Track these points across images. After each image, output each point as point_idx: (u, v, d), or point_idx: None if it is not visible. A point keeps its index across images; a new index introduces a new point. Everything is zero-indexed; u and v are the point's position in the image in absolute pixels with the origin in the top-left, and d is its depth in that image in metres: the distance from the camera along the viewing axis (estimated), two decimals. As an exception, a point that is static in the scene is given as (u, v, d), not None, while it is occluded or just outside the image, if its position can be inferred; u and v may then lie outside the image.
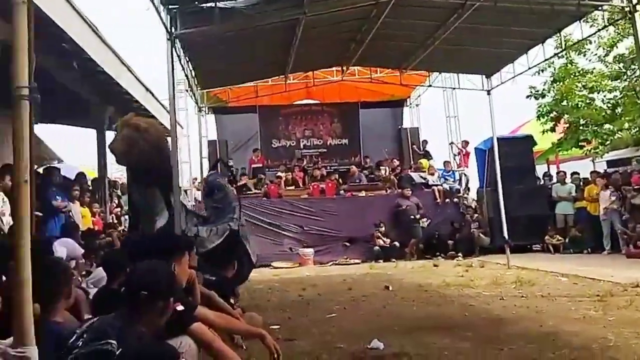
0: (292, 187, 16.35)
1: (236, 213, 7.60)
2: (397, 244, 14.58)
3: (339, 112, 19.58)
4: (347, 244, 14.80)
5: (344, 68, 14.71)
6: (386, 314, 6.94)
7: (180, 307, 2.93)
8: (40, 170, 10.27)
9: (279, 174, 16.87)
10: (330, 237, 14.89)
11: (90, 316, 3.44)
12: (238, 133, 19.01)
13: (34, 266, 2.60)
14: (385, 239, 14.63)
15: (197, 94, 14.50)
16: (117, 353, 2.34)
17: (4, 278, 3.69)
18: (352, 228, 14.91)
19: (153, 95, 11.82)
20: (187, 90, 14.79)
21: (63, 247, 6.41)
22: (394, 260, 13.96)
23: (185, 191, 15.69)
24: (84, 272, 6.11)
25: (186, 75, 11.97)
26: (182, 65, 10.75)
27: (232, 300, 5.02)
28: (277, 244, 14.66)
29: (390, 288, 8.97)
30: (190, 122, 16.19)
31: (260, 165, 17.75)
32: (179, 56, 9.63)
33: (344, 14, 10.00)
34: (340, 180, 16.68)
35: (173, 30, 8.04)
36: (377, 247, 14.46)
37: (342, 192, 16.06)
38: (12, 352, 2.51)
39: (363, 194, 15.87)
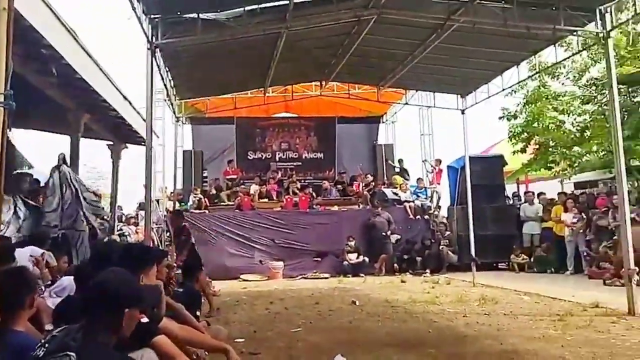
0: (266, 200, 16.34)
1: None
2: (366, 259, 14.64)
3: (316, 126, 19.69)
4: (318, 258, 14.80)
5: (323, 83, 14.82)
6: (352, 329, 6.98)
7: (144, 319, 2.90)
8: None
9: (253, 186, 16.82)
10: (301, 250, 14.89)
11: (51, 326, 3.41)
12: (214, 144, 18.97)
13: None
14: (355, 254, 14.68)
15: (175, 104, 14.45)
16: (75, 366, 2.31)
17: None
18: (323, 242, 14.94)
19: (130, 103, 11.78)
20: (165, 100, 14.73)
21: (28, 255, 6.30)
22: (362, 275, 14.04)
23: (157, 201, 15.58)
24: (49, 282, 6.00)
25: (165, 85, 11.93)
26: (161, 75, 10.74)
27: (197, 313, 5.01)
28: (248, 256, 14.62)
29: (357, 303, 9.03)
30: (167, 131, 16.11)
31: (235, 176, 17.75)
32: (158, 66, 9.62)
33: (326, 29, 10.10)
34: (314, 194, 16.74)
35: (154, 39, 8.05)
36: (346, 262, 14.51)
37: (315, 206, 16.10)
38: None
39: (336, 208, 15.96)
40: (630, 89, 15.34)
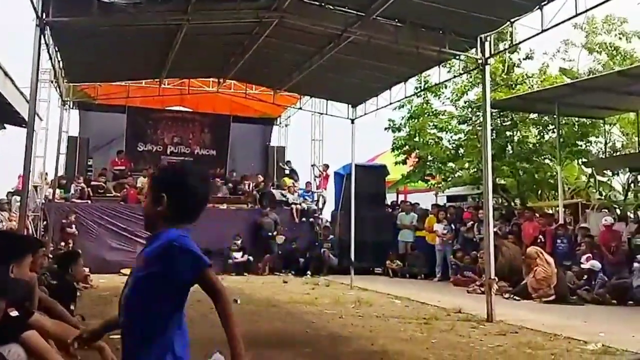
0: (153, 193, 15.70)
1: None
2: (251, 258, 14.58)
3: (211, 123, 19.30)
4: (202, 255, 14.47)
5: (221, 80, 14.57)
6: (231, 327, 6.91)
7: (14, 313, 2.71)
8: None
9: (141, 179, 16.12)
10: (186, 247, 14.45)
11: None
12: (103, 132, 17.97)
13: None
14: (240, 252, 14.56)
15: (62, 87, 13.55)
16: None
17: None
18: (209, 240, 14.44)
19: (12, 81, 10.86)
20: (51, 82, 13.77)
21: None
22: (246, 274, 13.98)
23: (35, 187, 14.53)
24: None
25: (53, 66, 11.15)
26: (49, 54, 10.03)
27: (72, 307, 4.74)
28: (131, 250, 13.96)
29: (239, 302, 8.95)
30: (52, 115, 15.06)
31: (123, 168, 16.93)
32: (47, 44, 8.99)
33: (227, 27, 9.96)
34: (204, 191, 16.35)
35: (44, 16, 7.50)
36: (231, 260, 14.35)
37: (203, 203, 15.75)
38: None
39: (224, 206, 15.74)
40: (500, 113, 16.60)
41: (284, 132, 20.81)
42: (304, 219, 16.23)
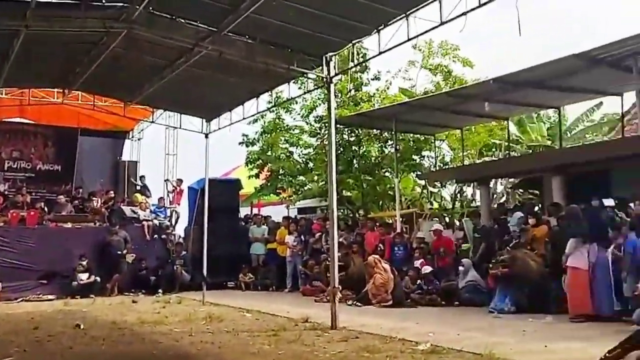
0: (-13, 214, 14.13)
1: None
2: (98, 279, 13.54)
3: (55, 136, 17.79)
4: (43, 279, 13.20)
5: (66, 91, 13.50)
6: (71, 355, 6.45)
7: None
8: None
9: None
10: (25, 270, 13.11)
11: None
12: None
13: None
14: (86, 273, 13.48)
15: None
16: None
17: None
18: (51, 261, 13.38)
19: None
20: None
21: None
22: (92, 296, 12.98)
23: None
24: None
25: None
26: None
27: None
28: None
29: (82, 326, 8.35)
30: None
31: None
32: None
33: (72, 35, 9.30)
34: (47, 209, 15.03)
35: None
36: (76, 282, 13.27)
37: (45, 222, 14.48)
38: None
39: (69, 225, 14.58)
40: (347, 129, 17.42)
41: (137, 146, 19.88)
42: (155, 235, 15.52)
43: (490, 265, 9.69)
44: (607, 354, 4.84)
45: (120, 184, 18.39)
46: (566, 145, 17.09)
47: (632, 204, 7.81)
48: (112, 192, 17.03)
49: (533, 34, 16.27)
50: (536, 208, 13.55)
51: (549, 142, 19.07)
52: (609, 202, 8.36)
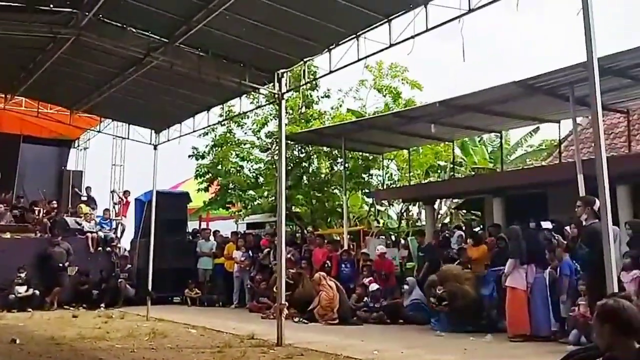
0: None
1: None
2: (37, 292, 12.90)
3: (-5, 143, 17.02)
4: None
5: (9, 96, 12.88)
6: (4, 373, 6.06)
7: None
8: None
9: None
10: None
11: None
12: None
13: None
14: (24, 286, 12.81)
15: None
16: None
17: None
18: (-11, 272, 12.70)
19: None
20: None
21: None
22: (30, 310, 12.32)
23: None
24: None
25: None
26: None
27: None
28: None
29: (18, 341, 7.90)
30: None
31: None
32: None
33: (17, 39, 8.90)
34: (-15, 219, 14.25)
35: None
36: (13, 295, 12.59)
37: (-18, 231, 13.71)
38: None
39: (8, 235, 13.85)
40: (298, 146, 17.41)
41: (83, 156, 19.28)
42: (100, 248, 14.96)
43: (431, 300, 9.61)
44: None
45: (65, 194, 17.67)
46: (507, 168, 17.64)
47: (567, 227, 8.06)
48: (55, 202, 16.42)
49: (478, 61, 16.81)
50: (478, 228, 13.90)
51: (491, 165, 19.66)
52: (546, 224, 8.62)
